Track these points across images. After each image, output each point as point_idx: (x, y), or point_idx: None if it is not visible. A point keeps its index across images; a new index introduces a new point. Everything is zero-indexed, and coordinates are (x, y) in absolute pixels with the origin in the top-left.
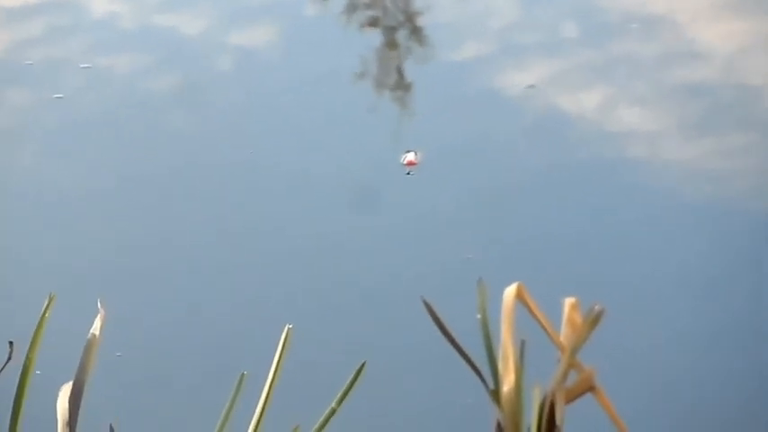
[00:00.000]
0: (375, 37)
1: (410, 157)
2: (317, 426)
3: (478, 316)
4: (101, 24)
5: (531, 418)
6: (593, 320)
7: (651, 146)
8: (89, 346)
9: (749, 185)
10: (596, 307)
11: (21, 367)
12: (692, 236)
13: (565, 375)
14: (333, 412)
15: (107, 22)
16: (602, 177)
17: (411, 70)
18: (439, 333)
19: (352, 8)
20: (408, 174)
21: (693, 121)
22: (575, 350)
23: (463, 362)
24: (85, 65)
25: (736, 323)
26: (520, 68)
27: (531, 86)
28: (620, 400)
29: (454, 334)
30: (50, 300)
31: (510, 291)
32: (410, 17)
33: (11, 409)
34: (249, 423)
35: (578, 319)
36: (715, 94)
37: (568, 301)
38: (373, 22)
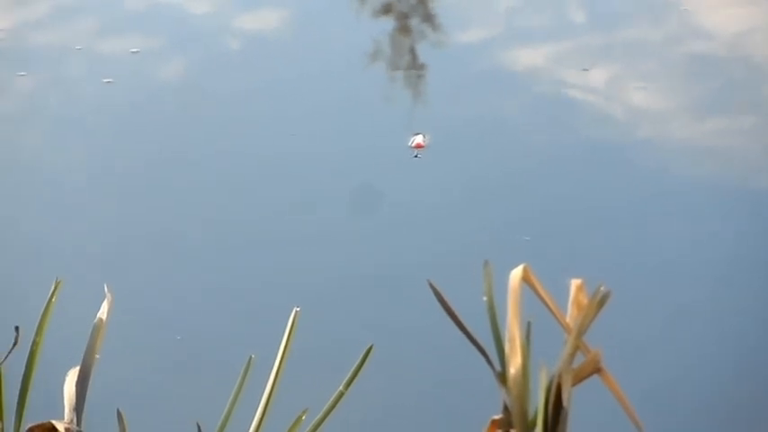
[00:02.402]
0: (386, 21)
1: (418, 139)
2: (325, 409)
3: (484, 298)
4: (106, 6)
5: (538, 399)
6: (600, 302)
7: (658, 125)
8: (96, 331)
9: (757, 165)
10: (602, 288)
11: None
12: (700, 215)
13: (571, 357)
14: (341, 395)
15: (113, 4)
16: (610, 157)
17: (422, 54)
18: (447, 316)
19: None
20: (416, 156)
21: (701, 101)
22: (581, 332)
23: (470, 344)
24: (135, 49)
25: (745, 304)
26: (528, 50)
27: (585, 70)
28: (627, 382)
29: (461, 317)
30: (56, 285)
31: (516, 272)
32: (423, 2)
33: (18, 393)
34: (257, 406)
35: (584, 300)
36: (723, 73)
37: (575, 283)
38: (386, 9)
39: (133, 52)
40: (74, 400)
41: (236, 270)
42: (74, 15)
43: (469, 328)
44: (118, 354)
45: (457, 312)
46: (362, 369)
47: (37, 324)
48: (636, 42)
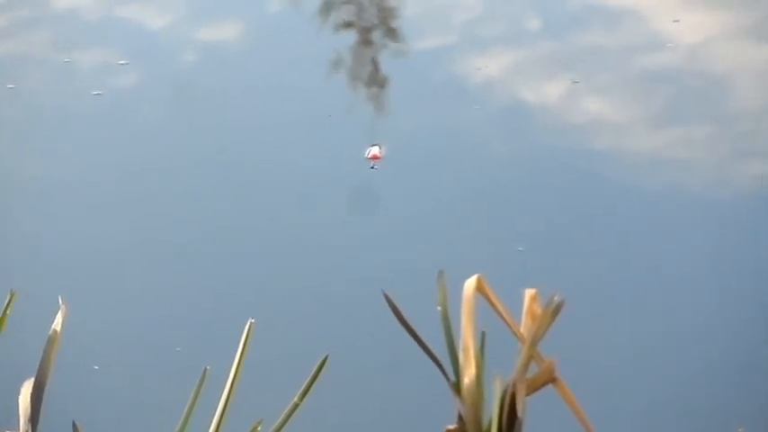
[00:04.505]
0: (348, 34)
1: (374, 151)
2: (280, 420)
3: (439, 308)
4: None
5: (493, 409)
6: (554, 311)
7: (615, 136)
8: (51, 342)
9: (712, 175)
10: (556, 298)
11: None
12: (655, 225)
13: (525, 367)
14: (295, 407)
15: (70, 16)
16: (566, 168)
17: (384, 65)
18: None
19: (327, 8)
20: (372, 168)
21: (657, 111)
22: (535, 341)
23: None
24: (123, 61)
25: (702, 315)
26: (485, 60)
27: (576, 82)
28: (584, 393)
29: (416, 327)
30: (11, 297)
31: (470, 283)
32: (385, 16)
33: None
34: (212, 418)
35: (538, 310)
36: (679, 84)
37: (528, 293)
38: (348, 24)
39: (122, 64)
40: (29, 412)
41: (191, 281)
42: (31, 28)
43: (424, 339)
44: (76, 364)
45: (411, 323)
46: (318, 380)
47: None
48: (593, 52)
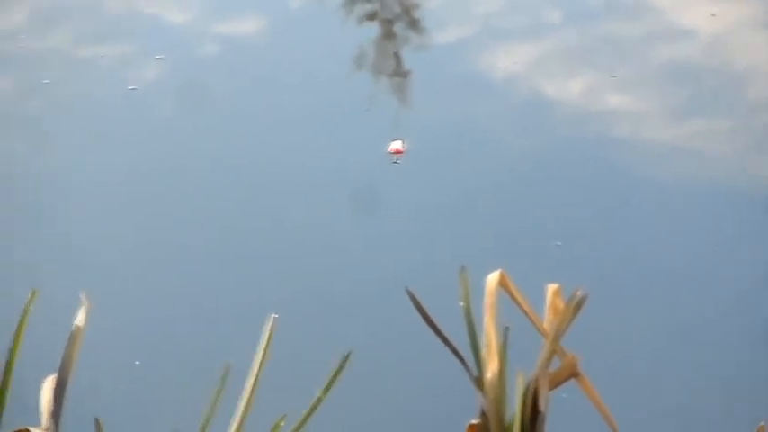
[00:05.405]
0: (370, 28)
1: (396, 145)
2: (303, 415)
3: (461, 304)
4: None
5: (515, 404)
6: (576, 306)
7: (635, 127)
8: (73, 338)
9: (732, 167)
10: (578, 292)
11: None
12: (675, 217)
13: (548, 361)
14: (319, 401)
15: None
16: (586, 160)
17: (406, 59)
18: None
19: (350, 1)
20: (395, 162)
21: (677, 103)
22: (557, 336)
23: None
24: (159, 56)
25: (721, 307)
26: (506, 52)
27: (614, 77)
28: (607, 387)
29: (439, 323)
30: (32, 294)
31: (492, 278)
32: (407, 9)
33: None
34: (229, 414)
35: (561, 304)
36: (699, 76)
37: (551, 288)
38: (371, 16)
39: (158, 59)
40: (51, 407)
41: (215, 277)
42: (52, 22)
43: (447, 334)
44: (98, 361)
45: (434, 319)
46: (341, 375)
47: (14, 332)
48: (615, 44)
